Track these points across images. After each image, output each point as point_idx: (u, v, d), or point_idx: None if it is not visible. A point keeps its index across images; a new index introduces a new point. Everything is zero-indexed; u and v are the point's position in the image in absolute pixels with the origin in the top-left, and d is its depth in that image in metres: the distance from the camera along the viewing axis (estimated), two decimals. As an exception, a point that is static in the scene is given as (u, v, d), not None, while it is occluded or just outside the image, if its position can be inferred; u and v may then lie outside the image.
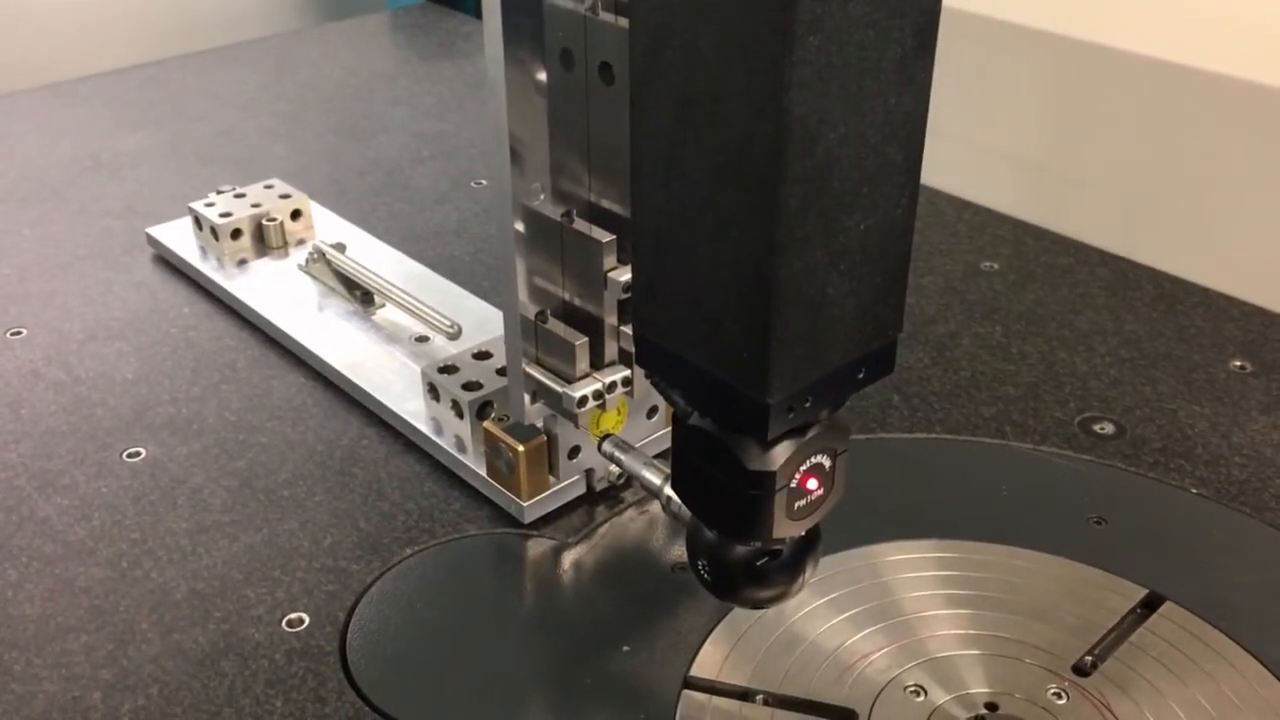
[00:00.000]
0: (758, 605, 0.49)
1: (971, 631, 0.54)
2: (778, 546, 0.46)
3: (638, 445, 0.63)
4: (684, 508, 0.51)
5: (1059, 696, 0.51)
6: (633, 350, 0.56)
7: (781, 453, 0.41)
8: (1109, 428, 0.67)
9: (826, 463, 0.43)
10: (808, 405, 0.41)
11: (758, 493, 0.42)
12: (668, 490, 0.54)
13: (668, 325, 0.42)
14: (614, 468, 0.62)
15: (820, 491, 0.44)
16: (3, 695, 0.52)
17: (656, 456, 0.57)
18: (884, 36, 0.36)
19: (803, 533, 0.45)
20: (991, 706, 0.50)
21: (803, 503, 0.43)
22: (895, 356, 0.43)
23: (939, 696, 0.51)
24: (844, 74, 0.35)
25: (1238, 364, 0.72)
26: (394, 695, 0.52)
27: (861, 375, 0.42)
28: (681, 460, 0.45)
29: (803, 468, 0.42)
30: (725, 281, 0.38)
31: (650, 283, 0.42)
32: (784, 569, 0.46)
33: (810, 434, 0.42)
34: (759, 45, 0.34)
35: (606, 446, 0.58)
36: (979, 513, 0.61)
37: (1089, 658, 0.52)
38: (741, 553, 0.46)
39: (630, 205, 0.41)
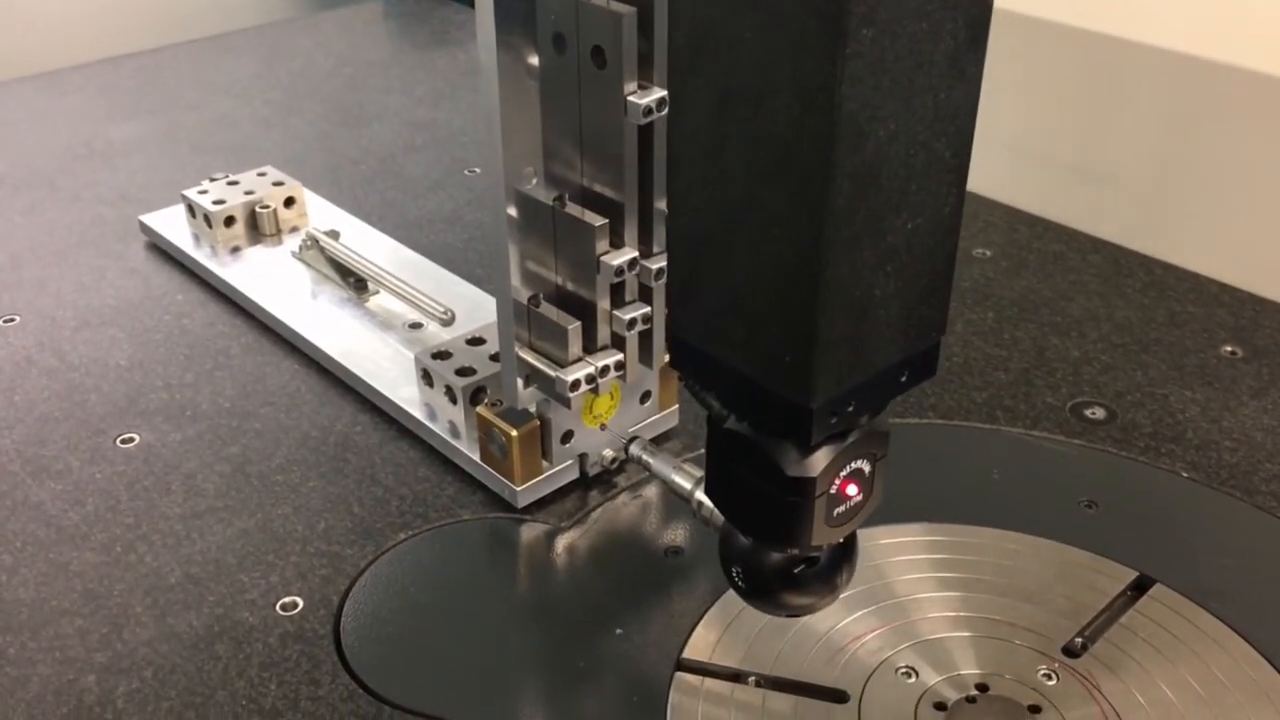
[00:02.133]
0: (794, 613, 0.48)
1: (963, 614, 0.54)
2: (815, 554, 0.45)
3: (631, 430, 0.63)
4: (714, 513, 0.50)
5: (1049, 677, 0.51)
6: (625, 334, 0.57)
7: (821, 458, 0.40)
8: (1100, 413, 0.67)
9: (866, 468, 0.42)
10: (850, 410, 0.39)
11: (796, 499, 0.41)
12: (699, 495, 0.53)
13: (705, 327, 0.41)
14: (608, 452, 0.62)
15: (859, 498, 0.42)
16: (-3, 679, 0.52)
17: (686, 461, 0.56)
18: (937, 29, 0.35)
19: (841, 540, 0.44)
20: (982, 687, 0.51)
21: (842, 509, 0.42)
22: (939, 359, 0.41)
23: (930, 678, 0.51)
24: (896, 68, 0.34)
25: (1229, 349, 0.73)
26: (388, 678, 0.52)
27: (904, 379, 0.40)
28: (716, 465, 0.44)
29: (842, 473, 0.41)
30: (768, 282, 0.37)
31: (687, 284, 0.41)
32: (821, 576, 0.45)
33: (850, 439, 0.41)
34: (809, 38, 0.33)
35: (634, 449, 0.58)
36: (971, 497, 0.61)
37: (1079, 639, 0.53)
38: (777, 560, 0.44)
39: (667, 204, 0.40)
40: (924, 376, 0.41)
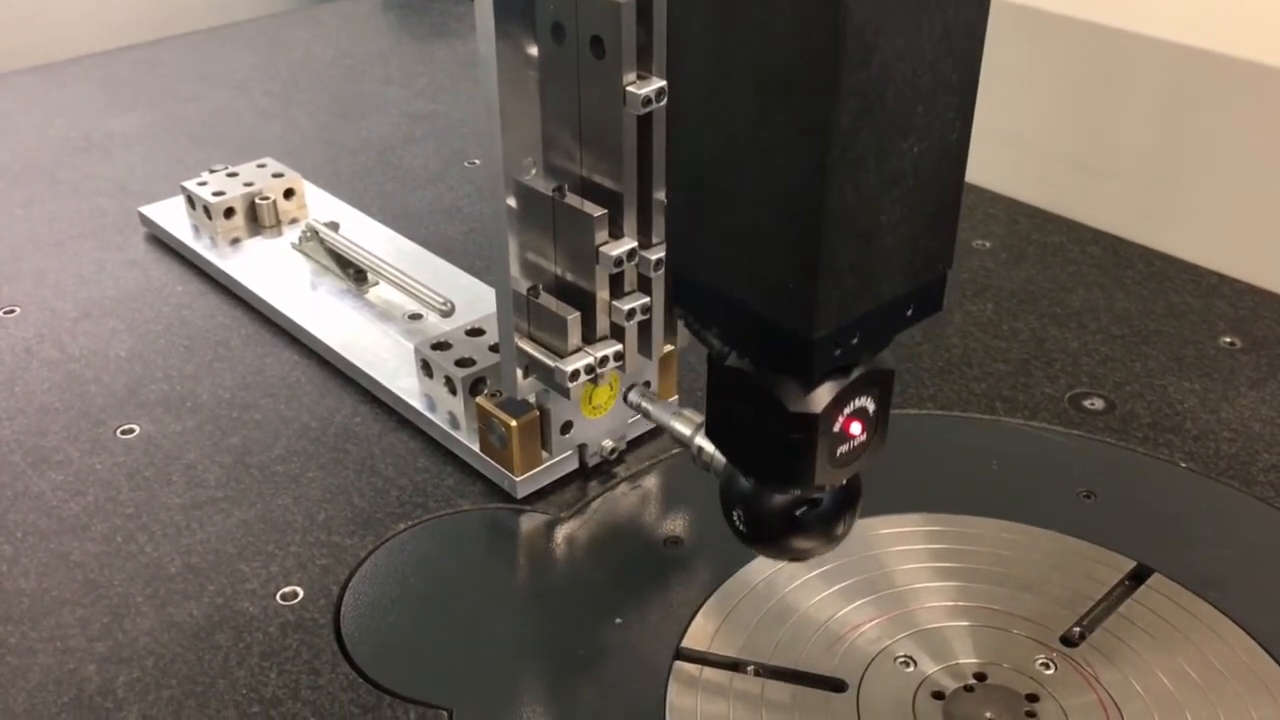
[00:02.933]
0: (795, 557, 0.47)
1: (961, 603, 0.54)
2: (818, 495, 0.44)
3: (630, 422, 0.63)
4: (715, 459, 0.49)
5: (1047, 666, 0.51)
6: (624, 325, 0.57)
7: (825, 394, 0.39)
8: (1099, 403, 0.67)
9: (871, 406, 0.41)
10: (855, 343, 0.38)
11: (799, 437, 0.40)
12: (699, 440, 0.52)
13: (706, 260, 0.39)
14: (607, 443, 0.62)
15: (864, 437, 0.41)
16: (-2, 668, 0.52)
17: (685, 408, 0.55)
18: None
19: (844, 481, 0.43)
20: (980, 676, 0.51)
21: (845, 448, 0.41)
22: (944, 293, 0.40)
23: (928, 667, 0.51)
24: None
25: (1227, 340, 0.73)
26: (387, 667, 0.52)
27: (910, 312, 0.40)
28: (717, 405, 0.42)
29: (846, 411, 0.40)
30: (771, 209, 0.36)
31: (688, 217, 0.40)
32: (823, 519, 0.44)
33: (854, 375, 0.40)
34: None
35: (633, 396, 0.56)
36: (970, 487, 0.61)
37: (1077, 629, 0.53)
38: (780, 501, 0.44)
39: (667, 136, 0.39)
40: (930, 311, 0.40)
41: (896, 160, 0.36)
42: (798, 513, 0.44)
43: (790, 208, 0.36)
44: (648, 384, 0.61)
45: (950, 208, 0.39)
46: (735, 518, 0.45)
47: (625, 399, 0.57)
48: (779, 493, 0.44)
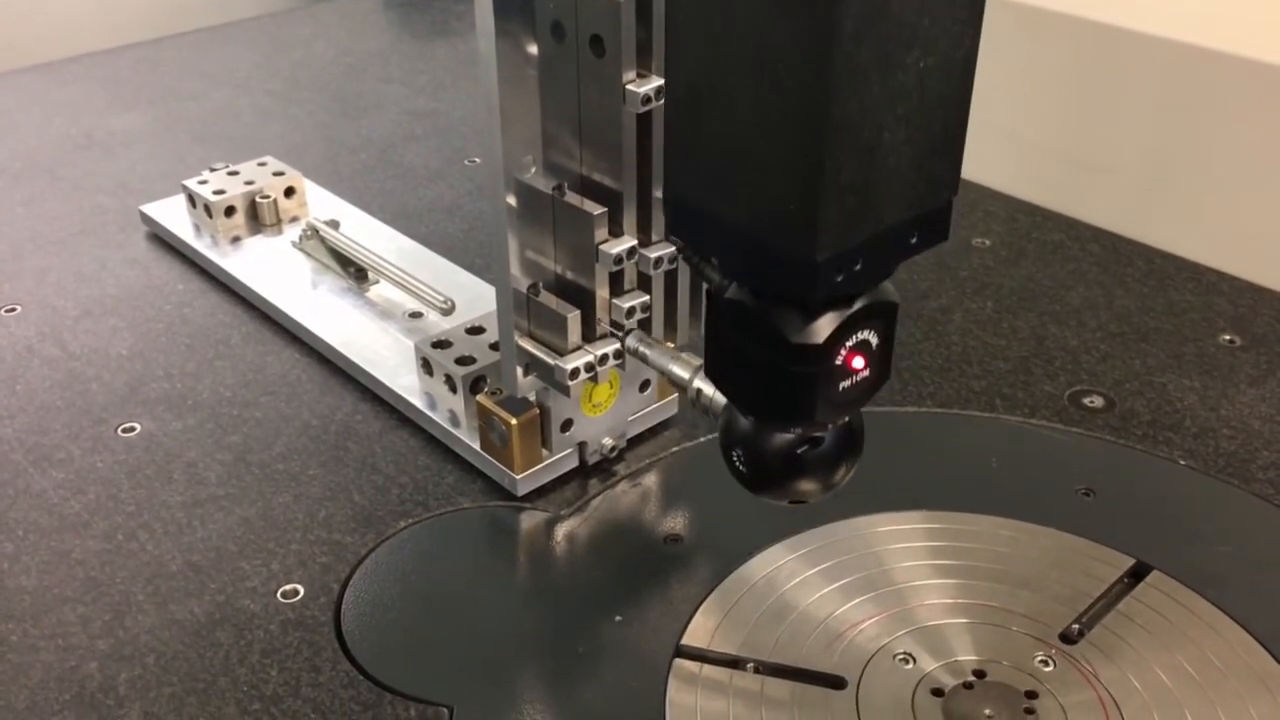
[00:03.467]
0: (796, 499, 0.45)
1: (960, 600, 0.54)
2: (818, 434, 0.43)
3: (630, 419, 0.64)
4: (714, 401, 0.48)
5: (1046, 664, 0.51)
6: (624, 323, 0.57)
7: (826, 325, 0.38)
8: (1098, 401, 0.67)
9: (874, 340, 0.40)
10: (857, 269, 0.37)
11: (800, 369, 0.39)
12: (697, 383, 0.52)
13: (704, 184, 0.38)
14: (607, 440, 0.62)
15: (866, 372, 0.40)
16: (0, 665, 0.52)
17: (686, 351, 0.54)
18: None
19: (847, 418, 0.42)
20: (979, 674, 0.51)
21: (848, 384, 0.40)
22: (950, 223, 0.39)
23: (928, 664, 0.51)
24: None
25: (1227, 338, 0.73)
26: (388, 665, 0.52)
27: (915, 240, 0.38)
28: (716, 341, 0.41)
29: (849, 344, 0.39)
30: (772, 126, 0.35)
31: (685, 140, 0.38)
32: (825, 460, 0.43)
33: (856, 305, 0.39)
34: None
35: (630, 341, 0.55)
36: (969, 485, 0.61)
37: (1076, 626, 0.53)
38: (780, 440, 0.42)
39: (665, 59, 0.38)
40: (935, 240, 0.39)
41: (902, 74, 0.35)
42: (799, 451, 0.43)
43: (791, 121, 0.34)
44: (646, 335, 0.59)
45: (956, 131, 0.37)
46: (735, 458, 0.44)
47: (624, 344, 0.56)
48: (780, 431, 0.43)
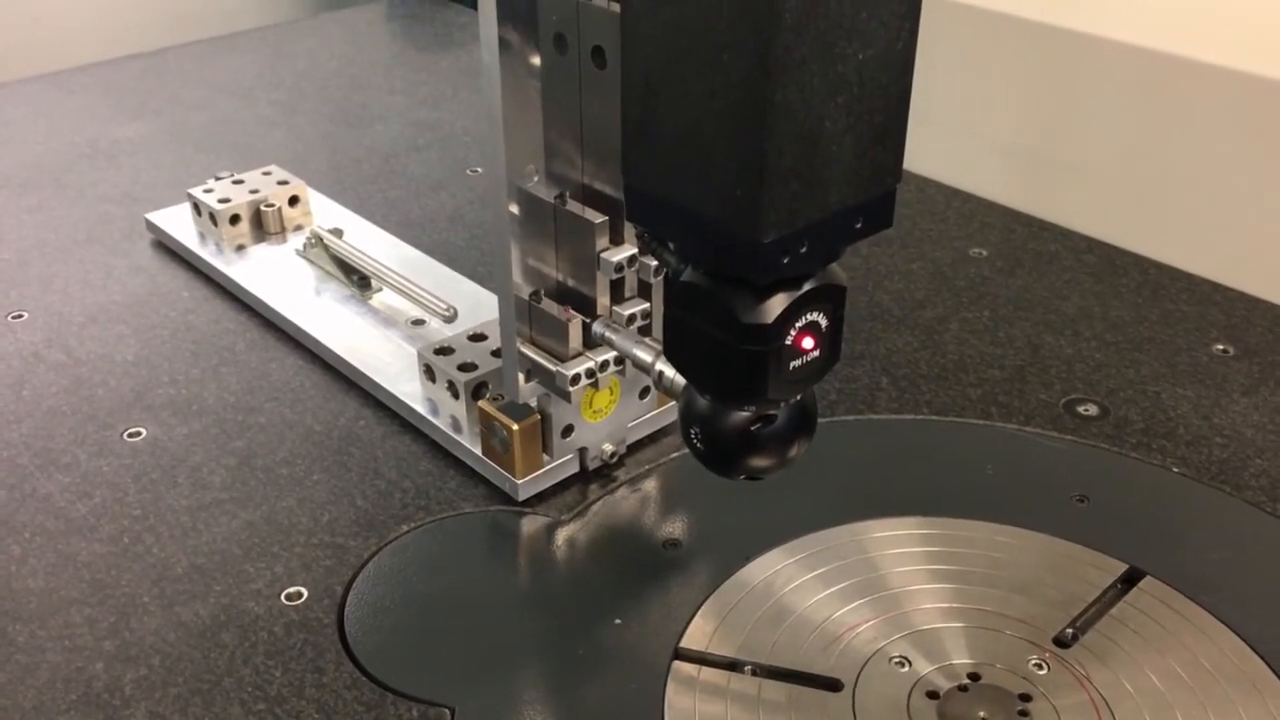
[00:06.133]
0: (751, 475, 0.47)
1: (955, 605, 0.55)
2: (771, 411, 0.44)
3: (630, 426, 0.64)
4: (675, 382, 0.50)
5: (1040, 667, 0.52)
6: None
7: (776, 305, 0.40)
8: (1093, 409, 0.68)
9: (823, 321, 0.42)
10: (803, 251, 0.39)
11: (752, 348, 0.41)
12: (659, 365, 0.53)
13: (658, 170, 0.40)
14: (607, 446, 0.63)
15: (816, 353, 0.42)
16: (7, 666, 0.53)
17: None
18: None
19: (798, 397, 0.44)
20: (974, 677, 0.51)
21: (798, 363, 0.42)
22: (894, 209, 0.41)
23: (923, 667, 0.52)
24: None
25: (1220, 348, 0.74)
26: (390, 666, 0.53)
27: (859, 225, 0.40)
28: (673, 323, 0.43)
29: (798, 325, 0.41)
30: (718, 113, 0.37)
31: (640, 126, 0.40)
32: (778, 436, 0.45)
33: (805, 287, 0.41)
34: None
35: (597, 328, 0.57)
36: (965, 491, 0.62)
37: (1070, 630, 0.54)
38: (735, 420, 0.44)
39: (622, 46, 0.40)
40: (879, 226, 0.41)
41: (842, 65, 0.37)
42: (753, 428, 0.45)
43: (736, 109, 0.37)
44: (615, 316, 0.59)
45: (897, 121, 0.39)
46: (693, 436, 0.46)
47: (592, 332, 0.58)
48: (734, 409, 0.44)
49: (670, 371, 0.53)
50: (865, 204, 0.40)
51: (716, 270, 0.41)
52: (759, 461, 0.46)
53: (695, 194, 0.39)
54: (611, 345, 0.57)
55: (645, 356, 0.55)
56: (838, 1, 0.36)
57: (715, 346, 0.42)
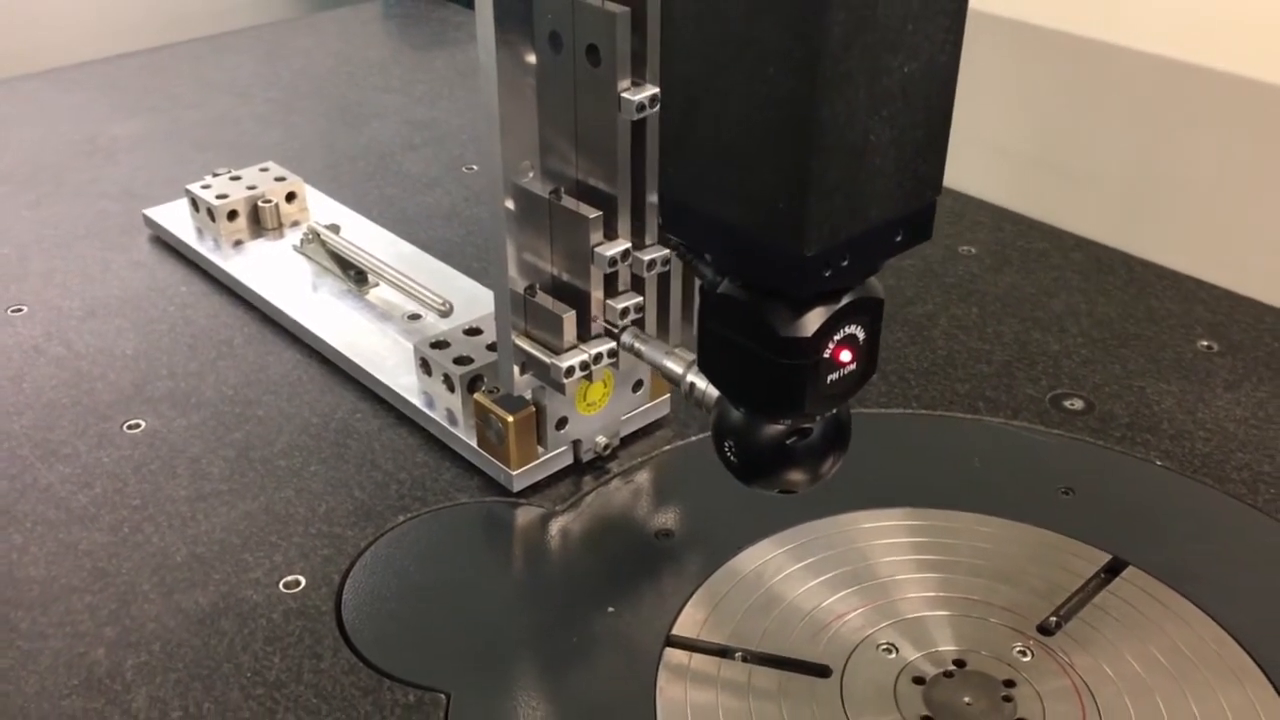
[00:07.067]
0: (785, 489, 0.47)
1: (942, 594, 0.56)
2: (807, 425, 0.44)
3: (623, 419, 0.65)
4: (707, 394, 0.50)
5: (1024, 654, 0.53)
6: (618, 324, 0.59)
7: (815, 319, 0.40)
8: (1079, 404, 0.69)
9: (860, 335, 0.42)
10: (845, 264, 0.39)
11: (790, 362, 0.40)
12: (690, 377, 0.53)
13: (698, 182, 0.40)
14: (601, 438, 0.64)
15: (853, 366, 0.42)
16: (10, 651, 0.54)
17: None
18: None
19: (834, 410, 0.44)
20: (959, 663, 0.52)
21: (835, 376, 0.42)
22: (934, 222, 0.41)
23: (910, 654, 0.53)
24: None
25: (1204, 344, 0.75)
26: (387, 652, 0.54)
27: (900, 239, 0.40)
28: (708, 335, 0.43)
29: (836, 337, 0.41)
30: (762, 126, 0.37)
31: (679, 137, 0.40)
32: (813, 450, 0.45)
33: (844, 301, 0.41)
34: None
35: (626, 338, 0.57)
36: (952, 483, 0.63)
37: (1053, 618, 0.55)
38: (770, 431, 0.44)
39: (660, 61, 0.39)
40: (919, 238, 0.40)
41: (887, 79, 0.36)
42: (788, 442, 0.44)
43: (781, 123, 0.36)
44: (641, 328, 0.60)
45: (940, 133, 0.39)
46: (727, 449, 0.46)
47: (619, 342, 0.58)
48: (770, 423, 0.44)
49: (702, 383, 0.53)
50: (906, 217, 0.40)
51: (755, 283, 0.41)
52: (795, 475, 0.46)
53: (735, 207, 0.39)
54: (640, 357, 0.57)
55: (676, 368, 0.55)
56: (885, 15, 0.35)
57: (752, 360, 0.41)
